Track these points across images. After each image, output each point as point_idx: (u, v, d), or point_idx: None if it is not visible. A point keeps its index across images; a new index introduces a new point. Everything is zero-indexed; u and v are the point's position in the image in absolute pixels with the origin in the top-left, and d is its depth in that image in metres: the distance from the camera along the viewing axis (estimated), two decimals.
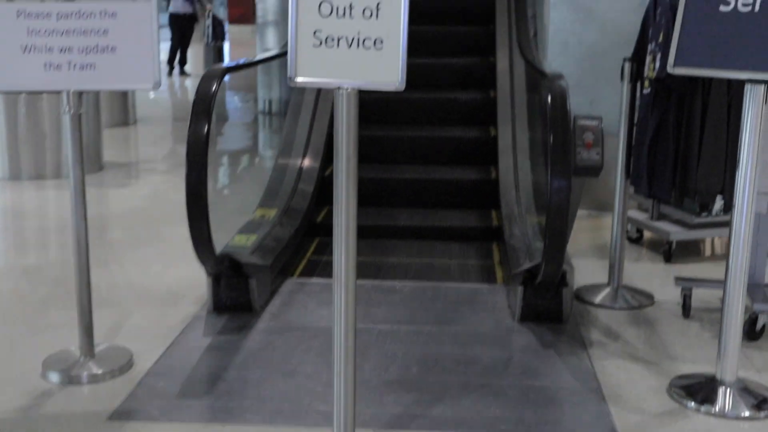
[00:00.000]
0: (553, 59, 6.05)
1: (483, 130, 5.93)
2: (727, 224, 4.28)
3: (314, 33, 2.49)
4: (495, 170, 5.47)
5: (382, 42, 2.47)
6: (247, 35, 23.25)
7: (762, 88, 2.95)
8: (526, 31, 5.65)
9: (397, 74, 2.47)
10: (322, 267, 4.61)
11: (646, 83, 4.01)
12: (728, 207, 3.86)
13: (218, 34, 14.84)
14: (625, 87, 4.05)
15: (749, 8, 3.01)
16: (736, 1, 3.02)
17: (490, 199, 5.28)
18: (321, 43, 2.49)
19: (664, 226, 4.93)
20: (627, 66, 4.03)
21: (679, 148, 3.83)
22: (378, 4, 2.46)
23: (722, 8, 3.06)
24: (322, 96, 5.87)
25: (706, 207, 3.95)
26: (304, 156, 5.49)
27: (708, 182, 3.78)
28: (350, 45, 2.49)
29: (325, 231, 5.00)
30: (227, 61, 15.26)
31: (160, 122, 11.03)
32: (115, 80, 3.30)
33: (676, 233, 4.85)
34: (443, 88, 6.39)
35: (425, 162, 5.74)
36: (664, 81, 3.76)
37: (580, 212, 5.81)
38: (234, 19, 24.20)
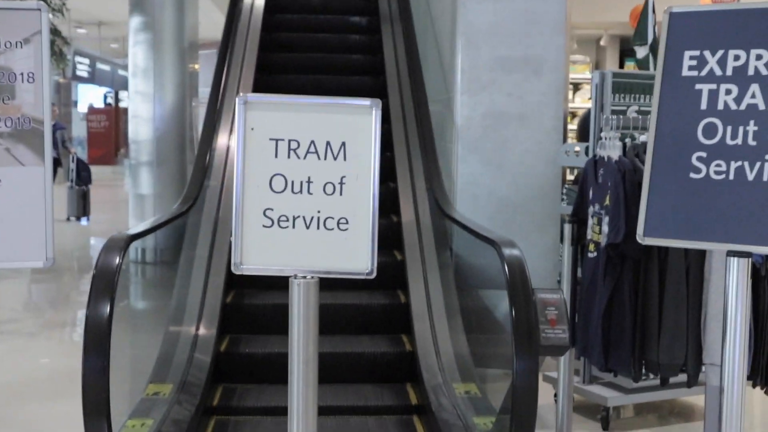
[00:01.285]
0: (464, 213, 5.84)
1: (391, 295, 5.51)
2: (666, 386, 4.09)
3: (264, 212, 2.11)
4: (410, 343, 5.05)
5: (346, 222, 2.11)
6: (108, 176, 22.61)
7: (748, 261, 2.73)
8: (441, 186, 5.42)
9: (366, 259, 2.10)
10: None
11: (591, 246, 3.78)
12: (692, 381, 3.61)
13: (83, 179, 14.19)
14: (567, 250, 3.82)
15: (723, 176, 2.83)
16: (708, 169, 2.83)
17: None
18: (273, 223, 2.11)
19: (599, 390, 4.66)
20: (568, 228, 3.80)
21: (636, 318, 3.58)
22: (342, 178, 2.10)
23: (693, 175, 2.87)
24: (217, 248, 5.39)
25: (666, 381, 3.69)
26: (198, 321, 4.96)
27: (671, 354, 3.54)
28: (309, 225, 2.11)
29: (222, 411, 4.45)
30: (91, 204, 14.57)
31: (19, 273, 10.20)
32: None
33: (614, 399, 4.57)
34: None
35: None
36: (617, 247, 3.54)
37: (497, 372, 5.48)
38: (93, 161, 23.53)
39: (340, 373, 4.56)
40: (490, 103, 5.88)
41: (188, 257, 5.43)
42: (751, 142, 2.82)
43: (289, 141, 2.12)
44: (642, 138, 3.81)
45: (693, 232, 2.83)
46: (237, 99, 2.11)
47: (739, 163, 2.82)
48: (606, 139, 3.78)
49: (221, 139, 5.98)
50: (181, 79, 9.94)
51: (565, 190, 5.08)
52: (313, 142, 2.12)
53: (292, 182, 2.11)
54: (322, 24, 8.13)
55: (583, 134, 6.23)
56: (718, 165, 2.85)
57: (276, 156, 2.11)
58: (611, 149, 3.71)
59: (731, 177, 2.81)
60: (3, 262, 2.83)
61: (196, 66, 10.77)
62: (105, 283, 2.98)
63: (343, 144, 2.12)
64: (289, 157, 2.12)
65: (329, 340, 4.69)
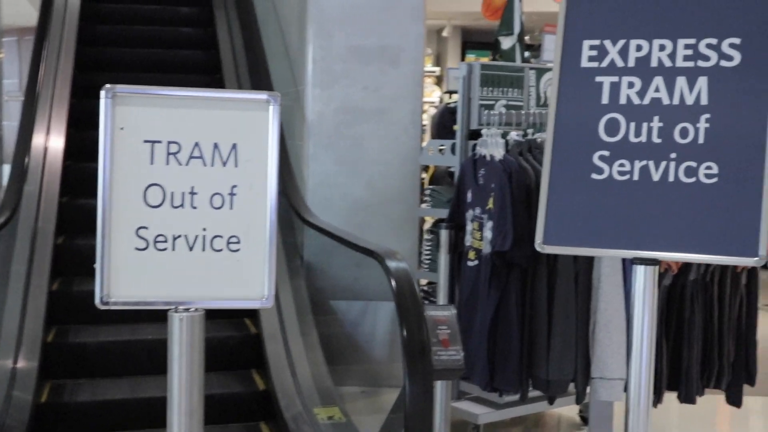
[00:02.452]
0: (317, 215, 5.60)
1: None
2: (539, 398, 4.01)
3: (137, 231, 1.79)
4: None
5: (238, 241, 1.82)
6: None
7: (655, 268, 2.63)
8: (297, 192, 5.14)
9: (261, 286, 1.82)
10: None
11: (471, 254, 3.62)
12: (581, 397, 3.51)
13: None
14: (444, 258, 3.65)
15: (627, 176, 2.72)
16: (611, 169, 2.72)
17: None
18: (148, 244, 1.80)
19: (469, 407, 4.51)
20: (444, 234, 3.63)
21: (524, 332, 3.44)
22: (233, 188, 1.82)
23: (595, 176, 2.75)
24: (38, 258, 4.85)
25: (553, 400, 3.58)
26: (16, 354, 4.37)
27: (561, 369, 3.42)
28: (192, 246, 1.81)
29: None
30: None
31: None
32: None
33: (486, 415, 4.45)
34: None
35: None
36: (504, 255, 3.39)
37: (351, 390, 5.31)
38: None
39: None
40: (344, 96, 5.66)
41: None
42: (655, 139, 2.73)
43: (168, 143, 1.80)
44: (514, 135, 3.67)
45: (597, 238, 2.71)
46: (102, 91, 1.78)
47: (644, 162, 2.72)
48: (488, 136, 3.63)
49: (37, 139, 5.46)
50: None
51: (429, 191, 4.93)
52: (197, 144, 1.82)
53: (172, 194, 1.80)
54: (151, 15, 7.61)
55: (439, 130, 6.13)
56: (621, 165, 2.73)
57: (152, 162, 1.80)
58: (493, 147, 3.56)
59: (636, 178, 2.70)
60: None
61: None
62: None
63: (234, 146, 1.83)
64: (167, 163, 1.80)
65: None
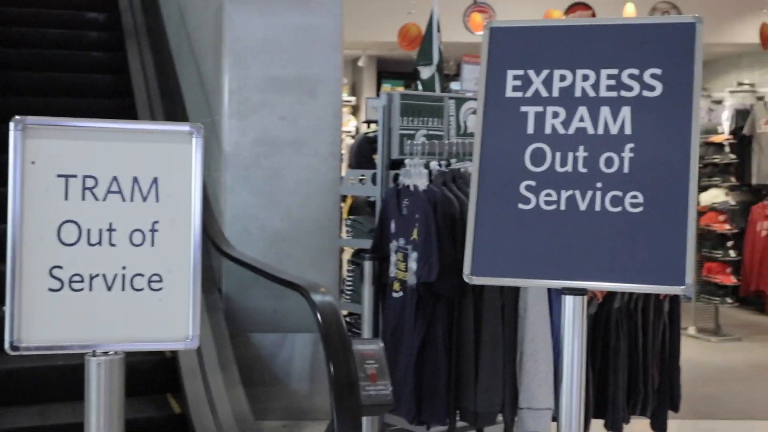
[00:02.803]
0: (235, 248, 5.48)
1: None
2: (465, 429, 3.95)
3: (51, 270, 1.69)
4: None
5: (160, 279, 1.73)
6: None
7: (584, 298, 2.61)
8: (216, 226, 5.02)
9: (185, 326, 1.73)
10: None
11: (396, 285, 3.57)
12: (509, 429, 3.47)
13: None
14: (367, 290, 3.59)
15: (554, 206, 2.70)
16: (538, 199, 2.69)
17: None
18: (63, 285, 1.69)
19: None
20: (368, 266, 3.57)
21: (451, 363, 3.39)
22: (154, 224, 1.73)
23: (522, 206, 2.72)
24: None
25: (481, 431, 3.54)
26: None
27: (489, 401, 3.37)
28: (111, 286, 1.71)
29: None
30: None
31: None
32: None
33: None
34: None
35: None
36: (430, 286, 3.34)
37: (272, 424, 5.20)
38: None
39: None
40: (261, 127, 5.56)
41: None
42: (581, 169, 2.72)
43: (84, 178, 1.71)
44: (435, 165, 3.63)
45: (525, 269, 2.67)
46: (11, 123, 1.67)
47: (570, 192, 2.70)
48: (411, 166, 3.59)
49: None
50: None
51: (349, 222, 4.86)
52: (115, 178, 1.73)
53: (89, 231, 1.71)
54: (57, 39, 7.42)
55: (358, 160, 6.08)
56: (548, 194, 2.71)
57: (66, 198, 1.70)
58: (417, 177, 3.52)
59: (563, 207, 2.68)
60: None
61: None
62: None
63: (155, 180, 1.75)
64: (83, 198, 1.71)
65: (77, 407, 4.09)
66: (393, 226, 3.65)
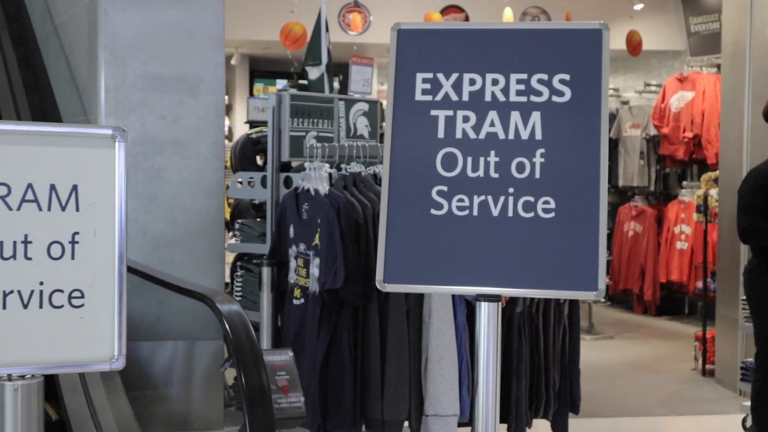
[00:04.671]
0: None
1: None
2: None
3: None
4: None
5: (81, 295, 1.61)
6: None
7: (498, 305, 2.60)
8: None
9: (109, 346, 1.62)
10: None
11: (297, 292, 3.48)
12: None
13: None
14: (266, 297, 3.50)
15: (466, 212, 2.69)
16: (450, 204, 2.67)
17: None
18: None
19: None
20: (266, 272, 3.48)
21: (356, 371, 3.33)
22: (74, 236, 1.61)
23: (434, 212, 2.69)
24: None
25: None
26: None
27: (396, 409, 3.32)
28: (27, 304, 1.58)
29: None
30: None
31: None
32: None
33: None
34: None
35: None
36: (335, 293, 3.26)
37: None
38: None
39: None
40: (141, 127, 5.35)
41: None
42: (493, 174, 2.71)
43: None
44: (327, 168, 3.57)
45: (439, 275, 2.64)
46: None
47: (483, 197, 2.69)
48: (311, 169, 3.51)
49: None
50: None
51: (238, 225, 4.74)
52: (30, 186, 1.59)
53: (2, 243, 1.57)
54: None
55: (242, 162, 5.94)
56: (460, 200, 2.69)
57: None
58: (318, 181, 3.44)
59: (475, 213, 2.66)
60: None
61: None
62: None
63: (75, 188, 1.62)
64: None
65: None
66: (292, 230, 3.56)
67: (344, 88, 6.09)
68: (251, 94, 11.87)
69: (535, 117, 2.72)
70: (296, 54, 9.72)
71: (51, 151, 1.60)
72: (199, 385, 5.16)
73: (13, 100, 6.35)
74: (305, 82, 5.35)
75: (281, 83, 9.48)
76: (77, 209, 1.61)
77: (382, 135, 5.31)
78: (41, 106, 6.10)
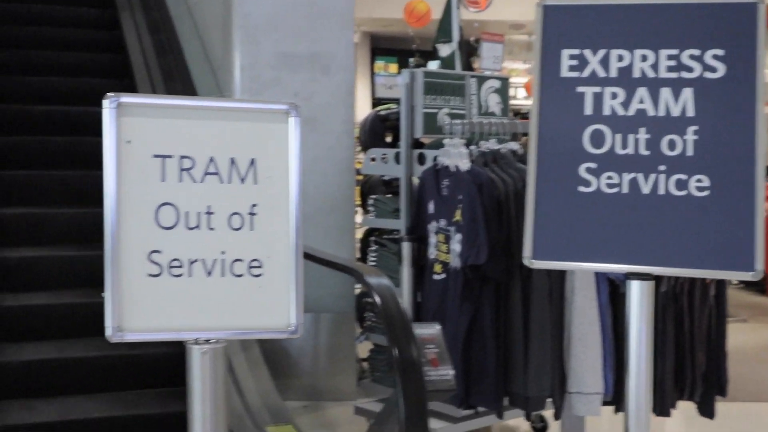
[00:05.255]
0: None
1: None
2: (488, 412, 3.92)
3: (149, 255, 1.62)
4: None
5: (260, 264, 1.67)
6: None
7: (651, 283, 2.57)
8: None
9: (286, 314, 1.68)
10: None
11: (437, 267, 3.52)
12: (559, 413, 3.44)
13: None
14: (407, 272, 3.54)
15: (616, 189, 2.66)
16: (599, 181, 2.65)
17: None
18: (162, 270, 1.63)
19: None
20: (407, 247, 3.53)
21: (499, 347, 3.35)
22: (253, 207, 1.67)
23: (582, 189, 2.68)
24: None
25: (529, 417, 3.50)
26: None
27: (539, 385, 3.34)
28: (210, 271, 1.65)
29: None
30: None
31: None
32: None
33: (443, 430, 4.34)
34: None
35: None
36: (478, 268, 3.29)
37: (292, 404, 5.15)
38: None
39: None
40: None
41: None
42: (643, 151, 2.67)
43: (181, 158, 1.64)
44: (487, 145, 3.60)
45: (588, 253, 2.63)
46: (105, 101, 1.60)
47: (633, 174, 2.66)
48: (451, 146, 3.54)
49: None
50: None
51: (372, 201, 4.80)
52: (212, 159, 1.66)
53: (187, 214, 1.64)
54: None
55: (371, 138, 6.00)
56: (609, 177, 2.67)
57: (163, 179, 1.63)
58: (458, 158, 3.46)
59: (625, 190, 2.64)
60: None
61: None
62: None
63: (253, 162, 1.68)
64: (181, 180, 1.64)
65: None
66: (432, 206, 3.59)
67: (466, 65, 6.09)
68: (372, 72, 11.97)
69: (687, 93, 2.67)
70: (419, 31, 9.74)
71: (231, 126, 1.67)
72: (332, 357, 5.27)
73: (151, 83, 6.57)
74: (435, 61, 5.37)
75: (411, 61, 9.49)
76: (255, 182, 1.67)
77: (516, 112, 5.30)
78: (178, 88, 6.28)
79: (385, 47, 12.64)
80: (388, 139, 5.90)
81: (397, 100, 4.76)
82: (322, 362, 5.29)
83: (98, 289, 4.76)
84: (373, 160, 4.77)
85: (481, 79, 4.97)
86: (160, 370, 4.12)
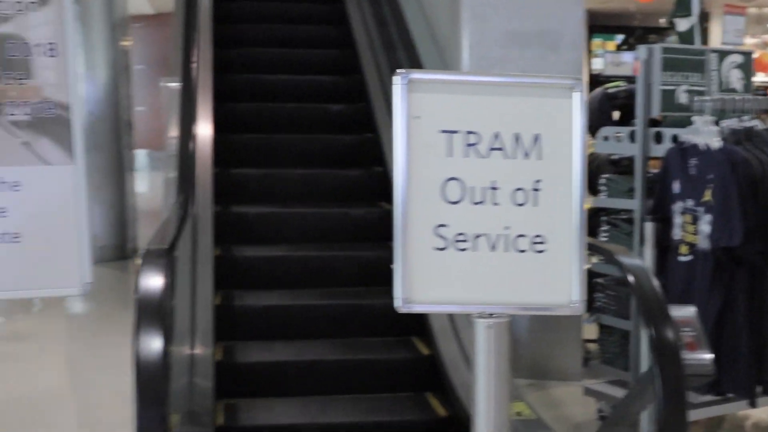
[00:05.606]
0: None
1: None
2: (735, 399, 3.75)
3: (436, 229, 1.64)
4: None
5: (543, 241, 1.66)
6: None
7: None
8: None
9: (568, 290, 1.66)
10: None
11: (684, 248, 3.40)
12: None
13: None
14: (650, 253, 3.43)
15: None
16: None
17: None
18: (447, 244, 1.65)
19: None
20: (650, 227, 3.42)
21: (753, 332, 3.22)
22: (537, 183, 1.66)
23: None
24: (201, 254, 4.82)
25: None
26: (192, 340, 4.40)
27: None
28: (494, 246, 1.66)
29: None
30: None
31: None
32: (15, 283, 2.24)
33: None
34: None
35: None
36: (731, 250, 3.16)
37: (520, 382, 5.12)
38: None
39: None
40: None
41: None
42: None
43: (467, 134, 1.66)
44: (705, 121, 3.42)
45: None
46: (396, 77, 1.64)
47: None
48: (700, 124, 3.40)
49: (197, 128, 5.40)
50: (114, 57, 9.29)
51: (604, 180, 4.69)
52: (497, 134, 1.67)
53: (472, 189, 1.66)
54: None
55: (600, 117, 5.87)
56: None
57: (450, 154, 1.66)
58: (708, 136, 3.33)
59: None
60: (23, 288, 2.29)
61: (128, 42, 10.07)
62: (150, 312, 2.41)
63: (537, 137, 1.68)
64: (466, 155, 1.66)
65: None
66: (678, 186, 3.48)
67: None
68: (589, 50, 11.70)
69: None
70: (642, 7, 9.44)
71: (515, 101, 1.67)
72: (557, 337, 5.22)
73: (374, 58, 6.70)
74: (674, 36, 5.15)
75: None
76: (539, 158, 1.67)
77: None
78: (405, 65, 6.35)
79: (603, 24, 12.34)
80: (615, 117, 5.74)
81: (625, 78, 4.63)
82: (547, 341, 5.25)
83: (323, 244, 4.99)
84: (606, 138, 4.66)
85: (723, 54, 4.74)
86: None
